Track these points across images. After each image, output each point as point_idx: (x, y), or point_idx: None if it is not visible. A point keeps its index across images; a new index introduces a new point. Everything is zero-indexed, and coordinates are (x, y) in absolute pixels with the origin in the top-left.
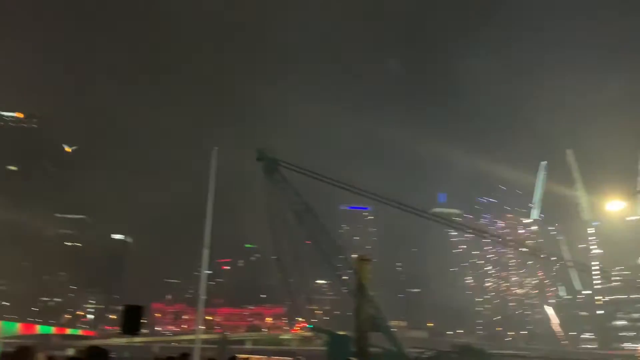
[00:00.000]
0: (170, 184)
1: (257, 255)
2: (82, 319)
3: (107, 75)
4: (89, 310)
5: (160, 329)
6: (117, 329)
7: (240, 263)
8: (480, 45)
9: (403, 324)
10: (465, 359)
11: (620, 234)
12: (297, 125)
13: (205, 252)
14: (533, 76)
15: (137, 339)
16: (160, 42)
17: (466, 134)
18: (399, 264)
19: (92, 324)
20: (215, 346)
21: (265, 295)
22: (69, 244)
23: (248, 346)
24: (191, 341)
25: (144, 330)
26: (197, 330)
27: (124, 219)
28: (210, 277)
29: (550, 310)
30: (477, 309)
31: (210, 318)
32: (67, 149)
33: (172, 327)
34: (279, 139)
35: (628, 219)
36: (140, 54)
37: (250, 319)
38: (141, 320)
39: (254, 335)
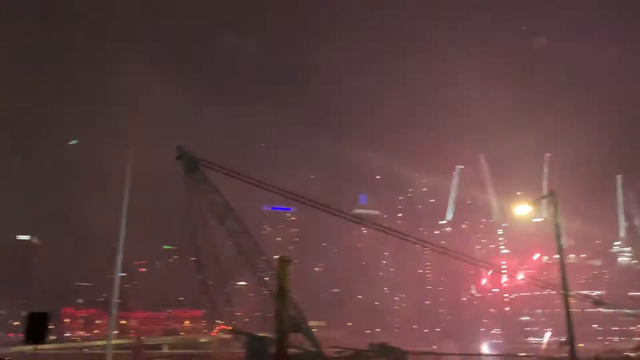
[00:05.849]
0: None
1: (176, 257)
2: None
3: None
4: None
5: (69, 334)
6: (21, 336)
7: (158, 265)
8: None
9: (323, 323)
10: (381, 357)
11: (526, 235)
12: (212, 125)
13: (119, 255)
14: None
15: (43, 347)
16: None
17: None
18: (320, 264)
19: None
20: (129, 351)
21: (183, 298)
22: None
23: (165, 350)
24: (103, 346)
25: (51, 337)
26: (109, 335)
27: (27, 218)
28: (125, 280)
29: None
30: (395, 307)
31: (125, 322)
32: None
33: (83, 332)
34: (195, 138)
35: (534, 220)
36: None
37: (168, 323)
38: (47, 328)
39: (171, 339)
